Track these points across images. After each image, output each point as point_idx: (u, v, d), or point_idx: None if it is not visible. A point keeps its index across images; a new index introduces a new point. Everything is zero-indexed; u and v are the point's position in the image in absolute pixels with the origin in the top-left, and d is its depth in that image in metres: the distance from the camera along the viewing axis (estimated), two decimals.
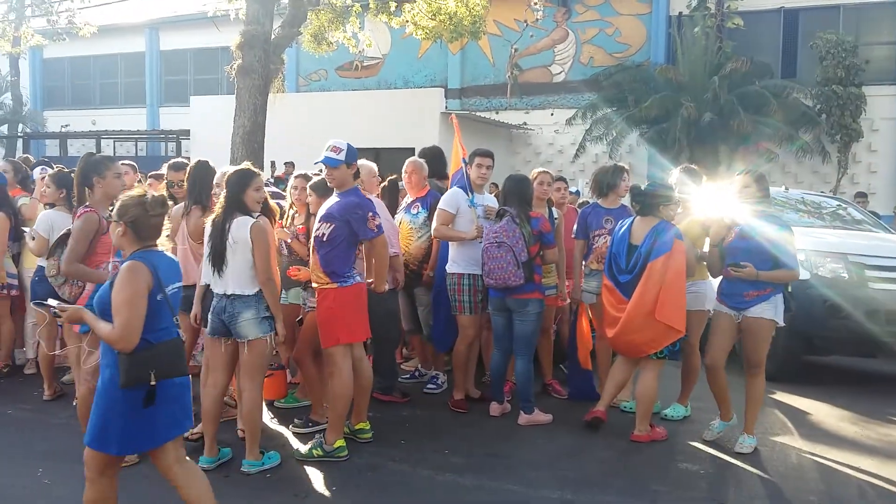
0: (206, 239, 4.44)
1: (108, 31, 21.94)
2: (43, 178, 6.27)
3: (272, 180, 13.36)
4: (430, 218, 5.90)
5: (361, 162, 5.26)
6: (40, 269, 5.22)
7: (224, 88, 21.67)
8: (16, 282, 6.33)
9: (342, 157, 4.64)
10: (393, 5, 14.58)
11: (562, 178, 6.69)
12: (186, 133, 19.91)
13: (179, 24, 23.82)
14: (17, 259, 6.41)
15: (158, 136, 22.64)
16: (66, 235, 4.43)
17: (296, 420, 5.25)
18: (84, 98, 26.04)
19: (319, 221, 4.65)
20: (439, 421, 5.52)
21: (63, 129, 23.25)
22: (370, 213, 4.63)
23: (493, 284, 5.31)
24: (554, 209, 6.11)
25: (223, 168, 5.21)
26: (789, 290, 4.96)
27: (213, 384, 4.49)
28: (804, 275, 5.85)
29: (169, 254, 3.39)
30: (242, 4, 13.00)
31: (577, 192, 10.10)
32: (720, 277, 5.06)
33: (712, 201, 5.38)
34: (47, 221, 5.19)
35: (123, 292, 3.05)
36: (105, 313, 3.09)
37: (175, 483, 3.31)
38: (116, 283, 3.08)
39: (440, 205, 5.69)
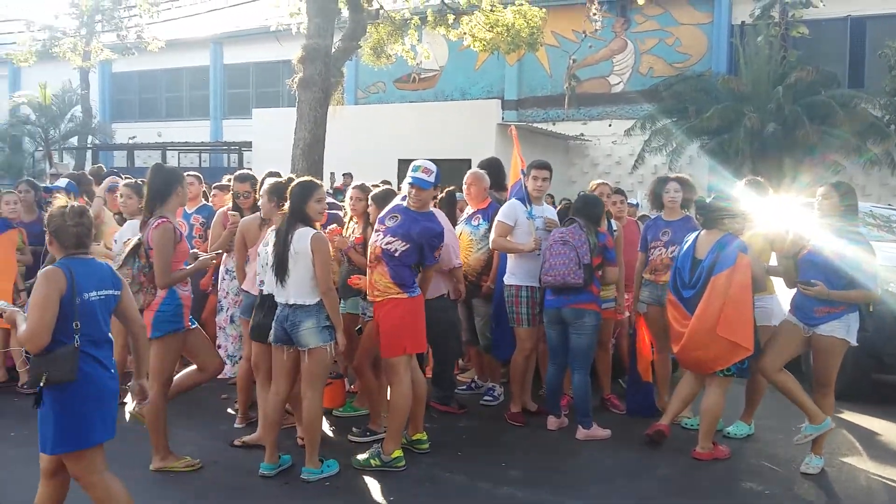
0: (269, 248, 4.52)
1: (174, 46, 22.61)
2: (111, 188, 6.50)
3: (331, 191, 13.55)
4: (490, 230, 5.90)
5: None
6: None
7: (285, 101, 22.09)
8: None
9: (432, 179, 4.71)
10: (451, 18, 14.70)
11: (620, 191, 6.62)
12: (248, 145, 20.36)
13: (242, 39, 24.41)
14: None
15: (221, 147, 23.19)
16: (138, 246, 4.54)
17: (354, 429, 5.29)
18: (151, 111, 26.86)
19: (394, 236, 4.64)
20: (496, 433, 5.49)
21: (130, 141, 24.01)
22: (440, 244, 4.74)
23: (550, 282, 5.27)
24: (613, 221, 6.05)
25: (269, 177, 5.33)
26: (870, 309, 4.79)
27: (276, 392, 4.56)
28: None
29: (100, 261, 3.50)
30: (304, 19, 13.27)
31: (637, 205, 9.96)
32: (793, 290, 4.93)
33: (777, 214, 5.25)
34: (133, 231, 5.36)
35: (35, 296, 3.18)
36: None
37: (92, 491, 3.38)
38: (34, 287, 3.23)
39: (498, 216, 5.68)
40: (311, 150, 11.80)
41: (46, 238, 3.48)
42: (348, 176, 15.83)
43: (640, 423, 5.46)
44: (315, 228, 4.43)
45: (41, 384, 3.16)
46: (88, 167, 21.42)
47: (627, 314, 6.21)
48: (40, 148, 22.97)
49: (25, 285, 6.24)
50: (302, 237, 4.35)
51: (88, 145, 23.86)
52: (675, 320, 5.11)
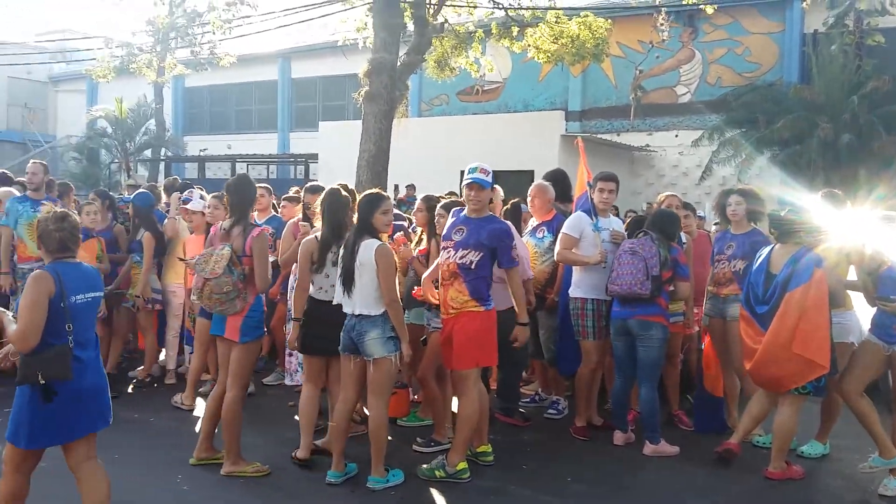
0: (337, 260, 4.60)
1: (244, 61, 23.23)
2: (184, 200, 6.70)
3: (395, 203, 13.68)
4: (555, 242, 5.87)
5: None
6: None
7: (350, 114, 22.44)
8: (159, 296, 6.75)
9: (489, 178, 4.73)
10: (515, 30, 14.72)
11: (688, 206, 6.50)
12: (315, 157, 20.74)
13: (310, 53, 24.91)
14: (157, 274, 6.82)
15: (288, 159, 23.68)
16: (230, 255, 4.67)
17: (418, 439, 5.31)
18: (221, 124, 27.63)
19: (465, 248, 4.65)
20: (561, 447, 5.44)
21: (201, 153, 24.73)
22: (513, 243, 4.70)
23: (617, 291, 5.23)
24: (683, 234, 5.95)
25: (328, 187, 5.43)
26: None
27: (343, 400, 4.62)
28: None
29: (87, 265, 3.68)
30: (370, 33, 13.49)
31: (704, 217, 9.77)
32: (873, 308, 4.77)
33: (854, 227, 5.08)
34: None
35: (25, 298, 3.35)
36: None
37: (78, 480, 3.53)
38: (24, 290, 3.39)
39: (564, 228, 5.65)
40: (375, 161, 11.95)
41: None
42: (411, 187, 16.00)
43: (710, 441, 5.35)
44: (381, 240, 4.48)
45: (41, 382, 3.30)
46: (161, 178, 22.18)
47: (697, 328, 6.09)
48: (116, 160, 23.85)
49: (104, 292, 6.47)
50: (367, 248, 4.40)
51: (162, 157, 24.68)
52: (747, 336, 4.99)
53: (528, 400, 6.51)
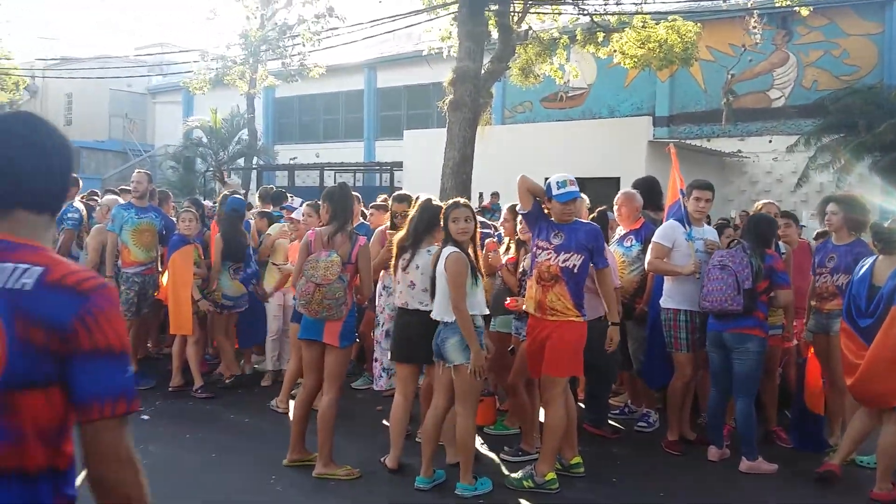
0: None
1: (332, 71, 23.74)
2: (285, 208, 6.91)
3: (479, 210, 13.72)
4: (643, 251, 5.77)
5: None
6: None
7: (435, 122, 22.65)
8: (231, 302, 6.95)
9: (577, 187, 4.71)
10: (601, 36, 14.57)
11: (788, 214, 6.27)
12: (399, 165, 21.01)
13: (395, 63, 25.29)
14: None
15: (374, 167, 24.07)
16: (338, 262, 4.80)
17: (506, 448, 5.30)
18: (310, 133, 28.33)
19: (568, 252, 4.61)
20: (652, 461, 5.33)
21: (291, 162, 25.41)
22: (604, 242, 4.69)
23: (708, 307, 5.11)
24: (781, 244, 5.74)
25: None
26: None
27: (434, 406, 4.66)
28: None
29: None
30: (455, 42, 13.60)
31: (803, 226, 9.41)
32: None
33: None
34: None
35: None
36: None
37: None
38: None
39: (655, 238, 5.54)
40: (459, 169, 12.03)
41: None
42: (495, 195, 16.02)
43: (809, 459, 5.14)
44: (459, 248, 4.50)
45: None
46: (253, 186, 22.89)
47: (796, 342, 5.87)
48: (210, 168, 24.76)
49: (202, 294, 6.74)
50: (443, 257, 4.48)
51: (253, 166, 25.46)
52: (849, 351, 4.78)
53: (616, 412, 6.41)
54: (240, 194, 8.13)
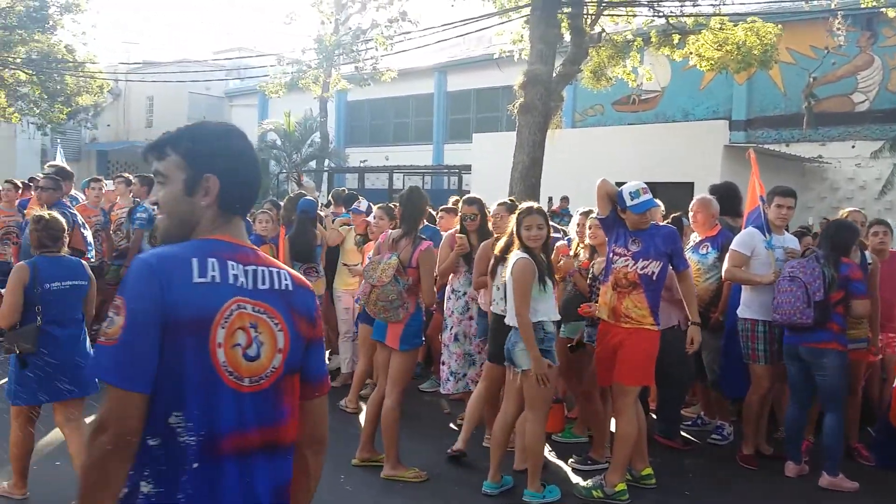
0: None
1: (402, 75, 23.98)
2: (353, 210, 6.98)
3: (548, 214, 13.60)
4: (720, 258, 5.61)
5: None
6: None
7: (504, 125, 22.61)
8: None
9: (650, 195, 4.63)
10: (676, 38, 14.28)
11: (883, 223, 5.97)
12: (468, 168, 21.04)
13: (465, 67, 25.36)
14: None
15: (442, 170, 24.18)
16: (398, 265, 4.85)
17: (574, 456, 5.23)
18: (380, 136, 28.66)
19: (646, 259, 4.55)
20: (726, 475, 5.17)
21: (362, 164, 25.74)
22: (680, 244, 4.60)
23: (778, 320, 4.97)
24: (867, 253, 5.50)
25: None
26: None
27: (503, 411, 4.63)
28: None
29: (70, 258, 4.33)
30: (526, 45, 13.53)
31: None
32: None
33: None
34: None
35: (7, 285, 4.10)
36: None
37: (66, 437, 4.30)
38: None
39: (733, 245, 5.38)
40: (528, 173, 11.96)
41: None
42: (565, 199, 15.88)
43: (893, 478, 4.90)
44: (530, 254, 4.45)
45: (17, 353, 4.05)
46: (325, 188, 23.27)
47: (881, 356, 5.62)
48: (284, 170, 25.28)
49: None
50: (511, 263, 4.45)
51: (325, 168, 25.89)
52: None
53: (689, 423, 6.24)
54: (315, 196, 8.25)
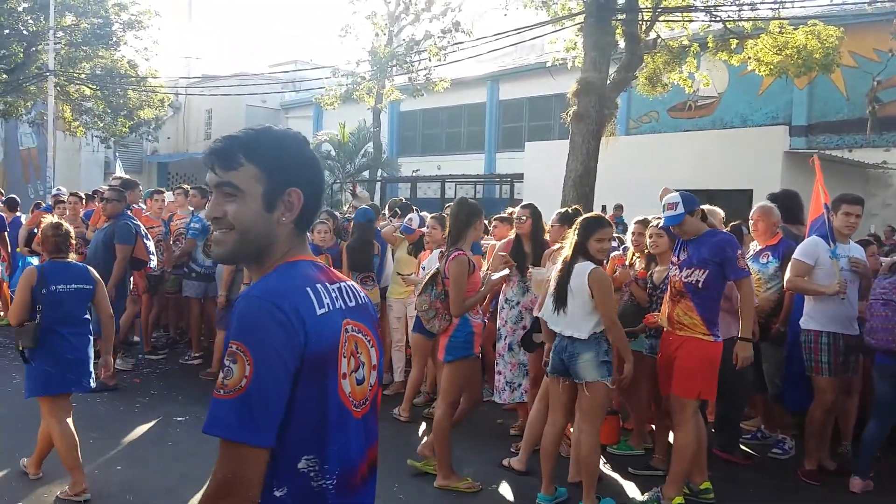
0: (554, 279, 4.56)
1: (455, 85, 24.06)
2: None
3: None
4: (781, 268, 5.46)
5: (709, 208, 5.08)
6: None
7: (556, 133, 22.49)
8: None
9: (679, 210, 4.54)
10: (734, 43, 14.02)
11: None
12: (520, 177, 20.98)
13: (517, 75, 25.32)
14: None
15: (494, 179, 24.15)
16: (435, 275, 4.86)
17: (630, 469, 5.14)
18: (432, 145, 28.79)
19: (689, 267, 4.52)
20: (787, 491, 5.02)
21: (414, 174, 25.89)
22: (739, 251, 4.49)
23: (873, 345, 4.80)
24: None
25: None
26: None
27: (552, 423, 4.59)
28: None
29: (77, 263, 4.66)
30: (580, 53, 13.45)
31: None
32: None
33: None
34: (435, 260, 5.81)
35: (17, 286, 4.46)
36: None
37: (45, 423, 4.45)
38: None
39: (796, 254, 5.23)
40: (582, 181, 11.87)
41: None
42: (619, 207, 15.67)
43: None
44: (596, 263, 4.41)
45: (20, 348, 4.40)
46: (378, 198, 23.46)
47: None
48: (338, 181, 25.58)
49: None
50: (580, 273, 4.35)
51: (378, 178, 26.12)
52: None
53: (748, 436, 6.08)
54: (369, 206, 8.33)
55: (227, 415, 1.39)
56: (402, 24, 23.02)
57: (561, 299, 4.41)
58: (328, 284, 1.60)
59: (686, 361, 4.45)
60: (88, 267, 4.78)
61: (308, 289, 1.53)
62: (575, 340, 4.36)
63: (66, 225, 4.70)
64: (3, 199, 10.61)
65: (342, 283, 1.67)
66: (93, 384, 4.66)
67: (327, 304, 1.55)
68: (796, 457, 5.54)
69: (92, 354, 4.69)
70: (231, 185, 1.55)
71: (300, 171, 1.59)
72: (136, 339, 8.25)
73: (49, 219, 4.94)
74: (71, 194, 9.14)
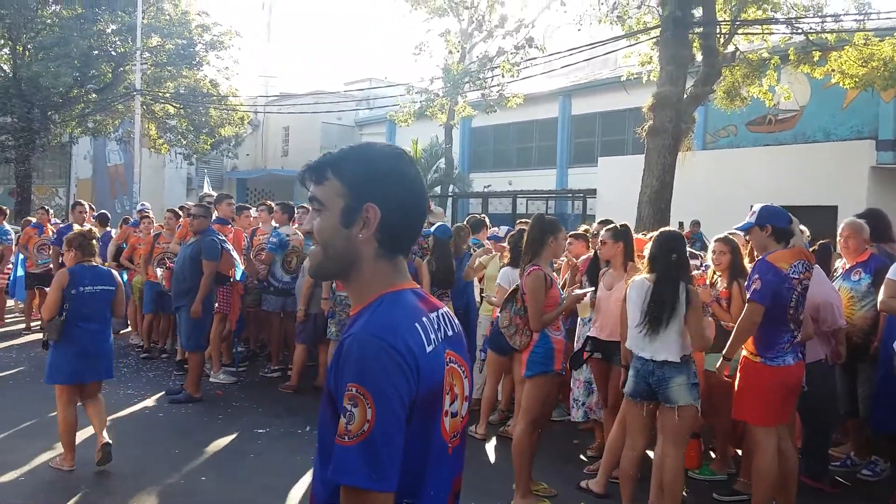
0: (634, 301, 4.49)
1: (527, 100, 24.01)
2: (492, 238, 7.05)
3: None
4: (874, 284, 5.26)
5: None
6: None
7: (630, 148, 22.19)
8: None
9: (751, 218, 4.47)
10: (816, 55, 13.62)
11: None
12: (593, 192, 20.77)
13: (590, 90, 25.11)
14: None
15: (566, 195, 23.98)
16: (515, 290, 4.88)
17: (715, 495, 5.02)
18: (503, 161, 28.78)
19: (748, 288, 4.43)
20: None
21: (485, 189, 25.93)
22: (755, 277, 4.36)
23: None
24: None
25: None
26: None
27: (631, 447, 4.52)
28: None
29: (103, 267, 5.35)
30: (655, 66, 13.27)
31: None
32: None
33: None
34: (507, 277, 5.82)
35: (51, 286, 5.26)
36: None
37: (86, 408, 5.23)
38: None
39: (889, 274, 5.00)
40: (658, 197, 11.68)
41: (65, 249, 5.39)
42: (696, 224, 15.36)
43: None
44: (687, 283, 4.34)
45: (46, 340, 5.11)
46: (448, 213, 23.59)
47: None
48: None
49: None
50: (678, 293, 4.30)
51: (449, 193, 26.27)
52: None
53: (837, 463, 5.84)
54: (444, 221, 8.40)
55: (354, 461, 1.34)
56: (474, 41, 23.16)
57: (659, 322, 4.29)
58: (430, 314, 1.55)
59: (739, 382, 4.43)
60: (111, 270, 5.52)
61: (416, 324, 1.48)
62: (665, 364, 4.28)
63: (94, 232, 5.51)
64: (95, 214, 11.09)
65: (440, 311, 1.61)
66: (113, 374, 5.50)
67: (433, 339, 1.49)
68: (889, 482, 5.30)
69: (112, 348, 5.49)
70: (317, 200, 1.55)
71: (382, 186, 1.51)
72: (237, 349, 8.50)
73: (77, 229, 5.69)
74: (168, 211, 9.50)
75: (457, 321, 1.69)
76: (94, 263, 5.27)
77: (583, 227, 7.32)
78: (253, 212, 9.35)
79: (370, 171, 1.52)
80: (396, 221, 1.52)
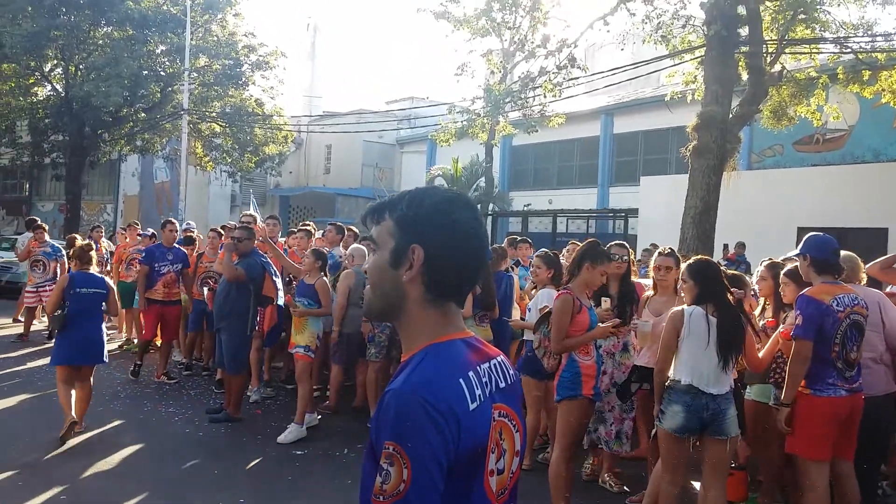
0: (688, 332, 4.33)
1: (568, 118, 23.93)
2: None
3: (724, 262, 12.98)
4: None
5: (846, 255, 4.79)
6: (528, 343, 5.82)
7: (673, 168, 21.95)
8: None
9: (799, 247, 4.38)
10: (866, 74, 13.32)
11: None
12: (634, 212, 20.54)
13: (633, 109, 24.93)
14: None
15: (608, 214, 23.77)
16: (548, 314, 4.83)
17: None
18: (543, 180, 28.68)
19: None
20: None
21: (525, 208, 25.84)
22: (798, 312, 4.27)
23: None
24: None
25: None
26: None
27: (673, 482, 4.37)
28: None
29: (97, 274, 6.64)
30: (700, 85, 13.10)
31: None
32: None
33: None
34: (548, 298, 5.76)
35: (55, 287, 6.74)
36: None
37: (75, 390, 6.42)
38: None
39: None
40: (702, 218, 11.48)
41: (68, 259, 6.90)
42: (741, 245, 15.07)
43: None
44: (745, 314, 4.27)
45: (51, 330, 5.83)
46: (488, 232, 23.53)
47: None
48: None
49: None
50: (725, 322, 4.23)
51: (489, 212, 26.24)
52: None
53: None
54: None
55: None
56: (516, 60, 23.17)
57: (734, 359, 4.22)
58: (480, 366, 1.50)
59: (790, 414, 4.32)
60: (104, 277, 6.78)
61: (461, 379, 1.43)
62: (717, 397, 4.17)
63: (92, 245, 6.87)
64: (141, 232, 11.28)
65: (494, 361, 1.56)
66: (105, 359, 6.67)
67: (479, 395, 1.44)
68: None
69: (105, 337, 6.70)
70: (373, 239, 1.57)
71: (428, 227, 1.49)
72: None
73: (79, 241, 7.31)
74: (211, 230, 9.63)
75: (513, 371, 1.63)
76: (91, 271, 6.57)
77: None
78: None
79: (420, 212, 1.51)
80: (443, 264, 1.49)
